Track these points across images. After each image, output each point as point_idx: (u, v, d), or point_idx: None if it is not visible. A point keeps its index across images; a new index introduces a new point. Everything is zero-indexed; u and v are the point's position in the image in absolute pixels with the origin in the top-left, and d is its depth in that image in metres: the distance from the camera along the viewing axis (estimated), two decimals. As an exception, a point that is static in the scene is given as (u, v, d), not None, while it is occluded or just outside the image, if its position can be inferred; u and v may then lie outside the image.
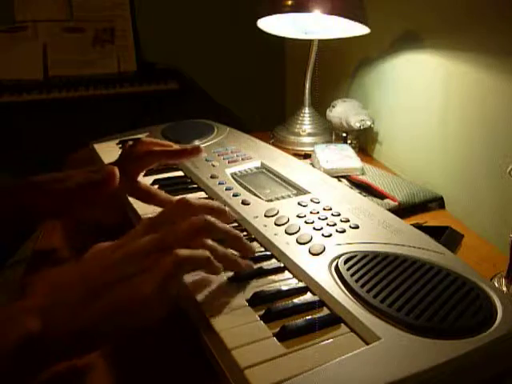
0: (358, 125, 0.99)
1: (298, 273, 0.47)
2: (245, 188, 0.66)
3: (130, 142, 0.68)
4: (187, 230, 0.42)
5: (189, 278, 0.46)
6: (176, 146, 0.66)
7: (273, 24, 1.05)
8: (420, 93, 0.91)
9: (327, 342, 0.38)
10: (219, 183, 0.68)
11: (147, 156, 0.63)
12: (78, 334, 0.37)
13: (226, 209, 0.48)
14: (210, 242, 0.43)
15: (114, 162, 0.63)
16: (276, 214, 0.57)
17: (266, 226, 0.55)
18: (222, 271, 0.44)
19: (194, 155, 0.65)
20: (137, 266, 0.39)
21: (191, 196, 0.66)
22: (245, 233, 0.55)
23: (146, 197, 0.62)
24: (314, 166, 0.89)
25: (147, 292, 0.38)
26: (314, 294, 0.44)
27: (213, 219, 0.44)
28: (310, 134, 1.10)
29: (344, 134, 1.04)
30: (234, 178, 0.70)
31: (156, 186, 0.70)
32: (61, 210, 0.59)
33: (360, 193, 0.77)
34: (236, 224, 0.57)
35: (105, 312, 0.38)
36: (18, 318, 0.36)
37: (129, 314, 0.39)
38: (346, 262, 0.47)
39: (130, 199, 0.64)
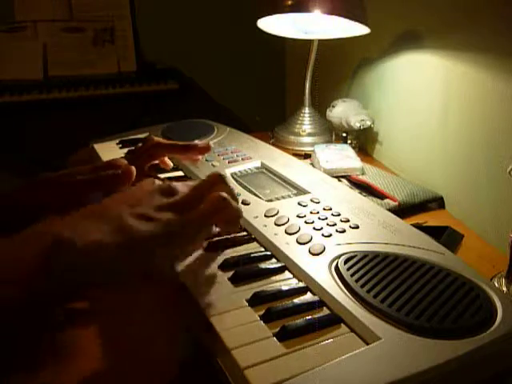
0: (358, 125, 0.99)
1: (298, 273, 0.47)
2: (245, 188, 0.66)
3: (139, 145, 0.67)
4: (209, 207, 0.44)
5: (189, 278, 0.46)
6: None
7: (273, 24, 1.05)
8: (420, 93, 0.91)
9: (327, 341, 0.38)
10: (219, 183, 0.68)
11: (155, 148, 0.63)
12: (97, 261, 0.36)
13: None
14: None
15: (123, 157, 0.63)
16: (276, 214, 0.57)
17: (266, 226, 0.55)
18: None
19: (202, 152, 0.66)
20: (171, 199, 0.42)
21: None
22: (245, 233, 0.55)
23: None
24: (314, 165, 0.89)
25: (190, 220, 0.40)
26: (314, 294, 0.44)
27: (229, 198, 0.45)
28: (310, 134, 1.10)
29: (344, 134, 1.04)
30: (234, 177, 0.70)
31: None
32: (66, 203, 0.58)
33: (360, 193, 0.77)
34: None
35: (135, 240, 0.38)
36: (35, 239, 0.36)
37: (163, 241, 0.39)
38: (346, 261, 0.47)
39: None
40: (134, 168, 0.57)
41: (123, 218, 0.39)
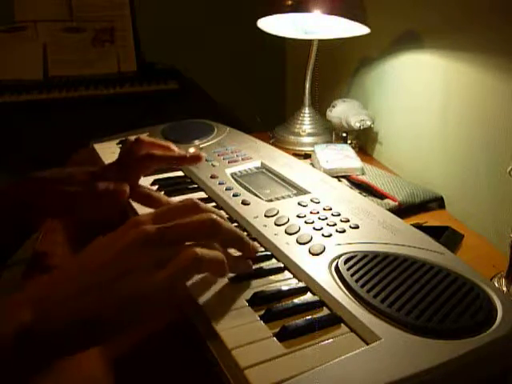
0: (358, 125, 0.99)
1: (298, 273, 0.47)
2: (245, 188, 0.66)
3: (131, 138, 0.66)
4: (197, 225, 0.41)
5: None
6: (174, 148, 0.64)
7: (273, 24, 1.05)
8: (420, 93, 0.91)
9: (327, 341, 0.38)
10: (219, 183, 0.68)
11: (147, 159, 0.62)
12: (78, 327, 0.36)
13: (251, 242, 0.48)
14: (217, 245, 0.43)
15: (114, 162, 0.63)
16: (276, 214, 0.57)
17: (266, 226, 0.55)
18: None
19: (194, 162, 0.64)
20: (147, 256, 0.38)
21: (191, 196, 0.67)
22: (245, 233, 0.55)
23: (148, 201, 0.61)
24: (314, 166, 0.89)
25: (157, 283, 0.37)
26: (314, 294, 0.44)
27: (220, 219, 0.43)
28: (309, 134, 1.10)
29: (344, 134, 1.04)
30: (234, 177, 0.70)
31: (156, 186, 0.70)
32: (61, 210, 0.59)
33: (360, 193, 0.77)
34: (236, 224, 0.57)
35: (108, 304, 0.37)
36: (11, 311, 0.36)
37: (134, 307, 0.37)
38: (346, 262, 0.47)
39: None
40: (127, 187, 0.57)
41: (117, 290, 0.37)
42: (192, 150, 0.82)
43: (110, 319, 0.37)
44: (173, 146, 0.65)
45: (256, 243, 0.53)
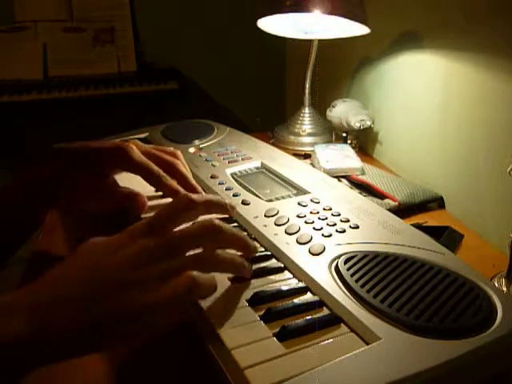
0: (358, 125, 0.99)
1: (298, 273, 0.47)
2: (245, 188, 0.66)
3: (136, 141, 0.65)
4: (197, 232, 0.41)
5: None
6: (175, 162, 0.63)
7: (273, 24, 1.05)
8: (420, 93, 0.91)
9: (327, 341, 0.38)
10: (219, 183, 0.68)
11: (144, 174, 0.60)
12: (76, 337, 0.35)
13: (227, 201, 0.48)
14: (219, 251, 0.42)
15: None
16: (276, 214, 0.57)
17: (266, 226, 0.55)
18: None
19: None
20: (148, 270, 0.37)
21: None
22: (245, 233, 0.55)
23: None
24: (314, 166, 0.89)
25: (157, 301, 0.37)
26: (313, 294, 0.44)
27: (219, 222, 0.43)
28: (310, 134, 1.11)
29: (344, 134, 1.04)
30: (234, 177, 0.70)
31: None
32: (86, 195, 0.59)
33: (360, 193, 0.77)
34: (236, 224, 0.57)
35: (109, 316, 0.36)
36: (4, 320, 0.34)
37: (134, 319, 0.37)
38: (346, 262, 0.47)
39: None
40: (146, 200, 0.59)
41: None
42: (192, 150, 0.82)
43: (110, 331, 0.36)
44: (169, 149, 0.65)
45: (256, 243, 0.53)
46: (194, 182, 0.62)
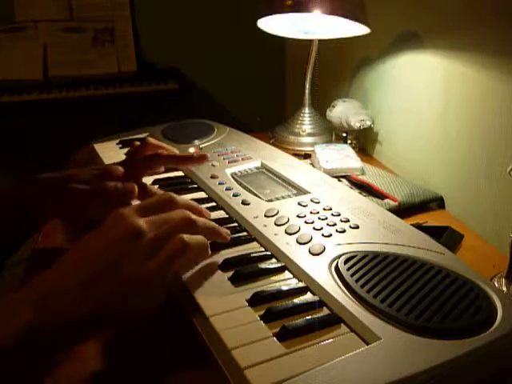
0: (357, 125, 0.99)
1: (298, 273, 0.47)
2: (245, 188, 0.66)
3: (137, 143, 0.68)
4: (178, 221, 0.44)
5: (189, 277, 0.46)
6: (176, 152, 0.68)
7: (273, 24, 1.05)
8: (420, 93, 0.91)
9: (327, 341, 0.38)
10: (219, 183, 0.68)
11: (153, 159, 0.64)
12: (82, 318, 0.37)
13: (202, 207, 0.53)
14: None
15: (119, 162, 0.63)
16: (276, 214, 0.57)
17: (266, 226, 0.55)
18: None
19: (199, 162, 0.67)
20: (138, 247, 0.40)
21: (191, 196, 0.67)
22: (245, 233, 0.55)
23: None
24: (314, 166, 0.89)
25: (153, 268, 0.40)
26: (314, 294, 0.44)
27: (193, 216, 0.46)
28: (310, 134, 1.11)
29: (344, 134, 1.04)
30: (234, 177, 0.70)
31: (156, 186, 0.70)
32: (66, 211, 0.59)
33: (360, 193, 0.77)
34: (236, 224, 0.57)
35: (106, 294, 0.38)
36: (12, 312, 0.36)
37: (134, 292, 0.39)
38: (346, 261, 0.47)
39: None
40: (135, 186, 0.59)
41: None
42: (192, 149, 0.82)
43: (113, 307, 0.38)
44: (176, 151, 0.68)
45: (255, 243, 0.53)
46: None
